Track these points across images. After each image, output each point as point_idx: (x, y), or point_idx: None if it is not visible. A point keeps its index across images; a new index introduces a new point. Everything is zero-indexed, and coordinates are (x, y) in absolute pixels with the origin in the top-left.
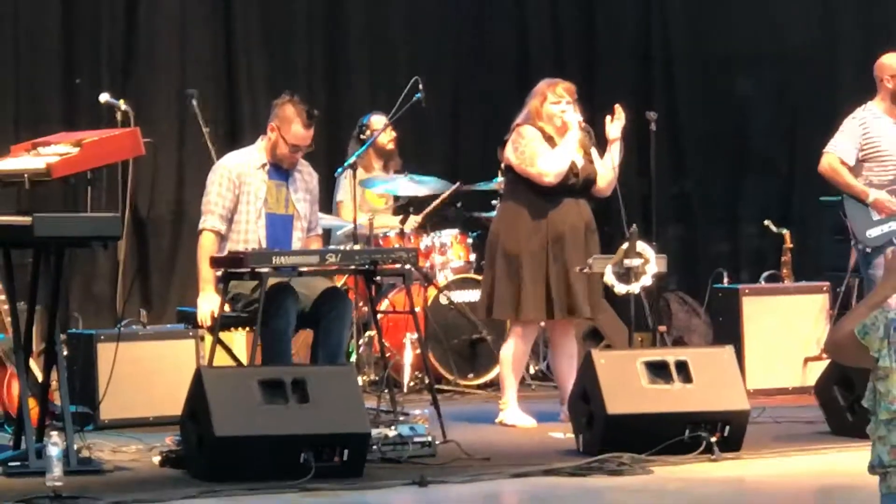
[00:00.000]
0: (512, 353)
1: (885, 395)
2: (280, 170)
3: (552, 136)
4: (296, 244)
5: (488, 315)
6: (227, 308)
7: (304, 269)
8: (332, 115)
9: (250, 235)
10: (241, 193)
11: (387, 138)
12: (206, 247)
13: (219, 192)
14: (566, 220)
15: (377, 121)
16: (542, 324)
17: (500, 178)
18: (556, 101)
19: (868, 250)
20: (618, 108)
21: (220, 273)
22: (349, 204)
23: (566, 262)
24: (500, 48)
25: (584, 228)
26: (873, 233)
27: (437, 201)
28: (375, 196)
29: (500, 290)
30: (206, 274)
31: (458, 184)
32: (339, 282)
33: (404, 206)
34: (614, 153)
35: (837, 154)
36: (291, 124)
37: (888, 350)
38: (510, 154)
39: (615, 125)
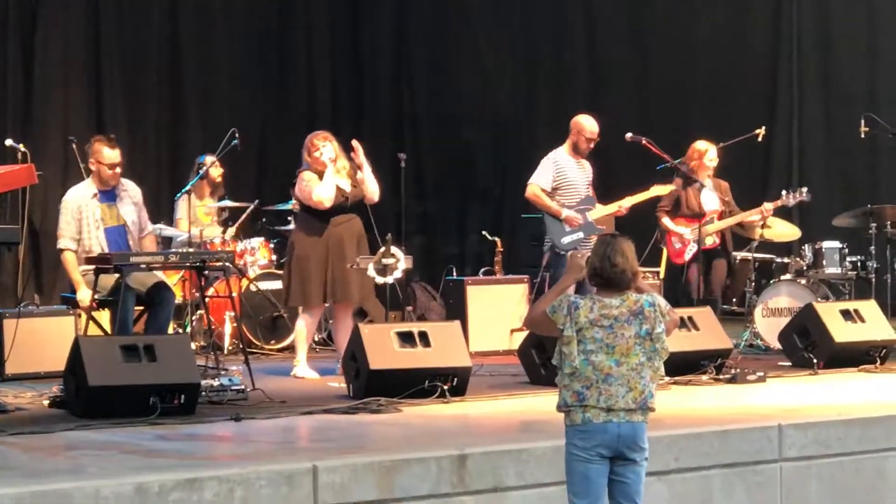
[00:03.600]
0: (304, 327)
1: (567, 356)
2: (107, 193)
3: (323, 174)
4: (132, 245)
5: (286, 303)
6: (96, 296)
7: (153, 265)
8: (174, 156)
9: (93, 243)
10: (82, 218)
11: (217, 173)
12: (72, 260)
13: (67, 221)
14: (343, 231)
15: (210, 160)
16: (327, 304)
17: (293, 201)
18: (316, 148)
19: (562, 253)
20: (354, 142)
21: (91, 269)
22: (185, 220)
23: (345, 261)
24: (296, 106)
25: (357, 236)
26: (566, 240)
27: (244, 216)
28: (204, 214)
29: (294, 285)
30: (78, 277)
31: (256, 202)
32: (177, 275)
33: (225, 221)
34: (367, 172)
35: (538, 184)
36: (102, 150)
37: (570, 323)
38: (297, 192)
39: (359, 155)
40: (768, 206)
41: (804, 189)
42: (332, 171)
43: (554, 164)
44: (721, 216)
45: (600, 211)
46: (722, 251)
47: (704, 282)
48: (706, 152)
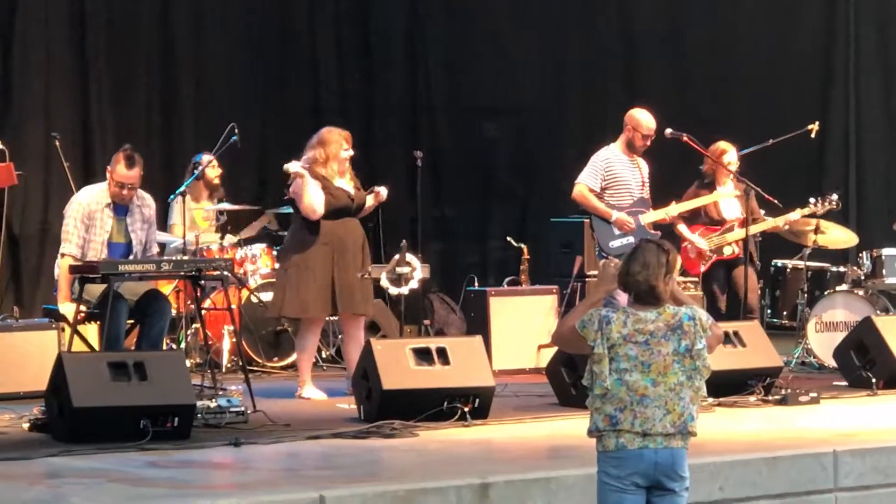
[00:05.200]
0: (306, 342)
1: (598, 375)
2: (120, 206)
3: (330, 178)
4: None
5: (280, 314)
6: (82, 308)
7: (145, 274)
8: (166, 155)
9: (95, 256)
10: (90, 226)
11: (214, 174)
12: (66, 270)
13: (75, 225)
14: (346, 236)
15: (207, 159)
16: (336, 318)
17: None
18: (346, 149)
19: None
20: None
21: (77, 276)
22: (180, 225)
23: (347, 269)
24: (298, 100)
25: (362, 242)
26: (615, 244)
27: (249, 230)
28: (201, 219)
29: (291, 294)
30: (65, 291)
31: (264, 215)
32: (171, 285)
33: (223, 226)
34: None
35: (586, 184)
36: (118, 166)
37: (601, 339)
38: (293, 192)
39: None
40: (793, 217)
41: (835, 196)
42: (302, 182)
43: (604, 163)
44: (743, 224)
45: (652, 216)
46: (744, 260)
47: (729, 293)
48: (723, 154)
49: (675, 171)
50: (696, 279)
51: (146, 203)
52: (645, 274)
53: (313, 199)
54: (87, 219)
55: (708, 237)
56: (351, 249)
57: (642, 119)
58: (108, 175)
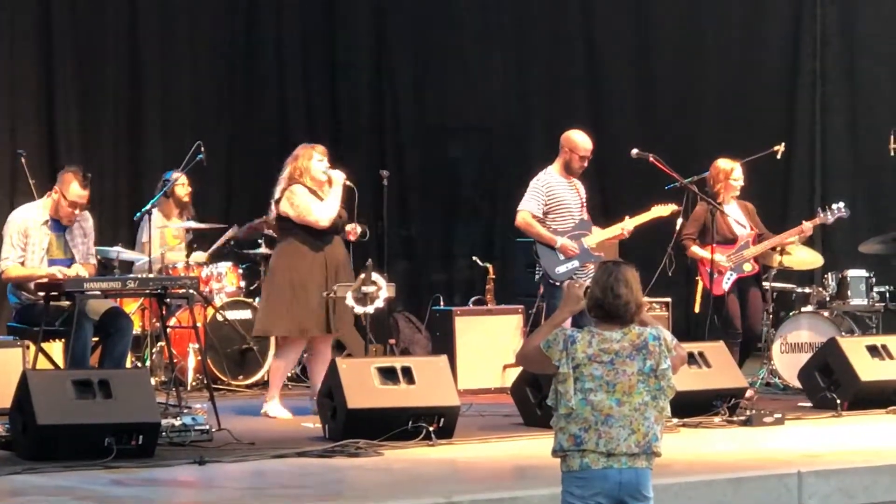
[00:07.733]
0: (285, 361)
1: (563, 395)
2: (59, 223)
3: (315, 190)
4: None
5: (268, 333)
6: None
7: (109, 292)
8: (134, 171)
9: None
10: (27, 244)
11: (184, 192)
12: (19, 268)
13: (11, 244)
14: (338, 253)
15: (176, 177)
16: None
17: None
18: (319, 160)
19: (557, 283)
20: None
21: (41, 294)
22: (150, 243)
23: (338, 289)
24: (266, 116)
25: (345, 260)
26: (560, 269)
27: (217, 244)
28: (171, 236)
29: (282, 312)
30: (40, 271)
31: (233, 227)
32: (136, 303)
33: (190, 244)
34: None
35: (529, 210)
36: (71, 185)
37: (566, 359)
38: (286, 208)
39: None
40: (808, 226)
41: (841, 204)
42: (340, 193)
43: (545, 187)
44: (755, 240)
45: (599, 235)
46: (756, 279)
47: (743, 315)
48: (731, 171)
49: (624, 190)
50: (668, 300)
51: (84, 217)
52: (630, 294)
53: (322, 209)
54: (24, 236)
55: (727, 255)
56: (342, 267)
57: (578, 141)
58: (55, 194)
